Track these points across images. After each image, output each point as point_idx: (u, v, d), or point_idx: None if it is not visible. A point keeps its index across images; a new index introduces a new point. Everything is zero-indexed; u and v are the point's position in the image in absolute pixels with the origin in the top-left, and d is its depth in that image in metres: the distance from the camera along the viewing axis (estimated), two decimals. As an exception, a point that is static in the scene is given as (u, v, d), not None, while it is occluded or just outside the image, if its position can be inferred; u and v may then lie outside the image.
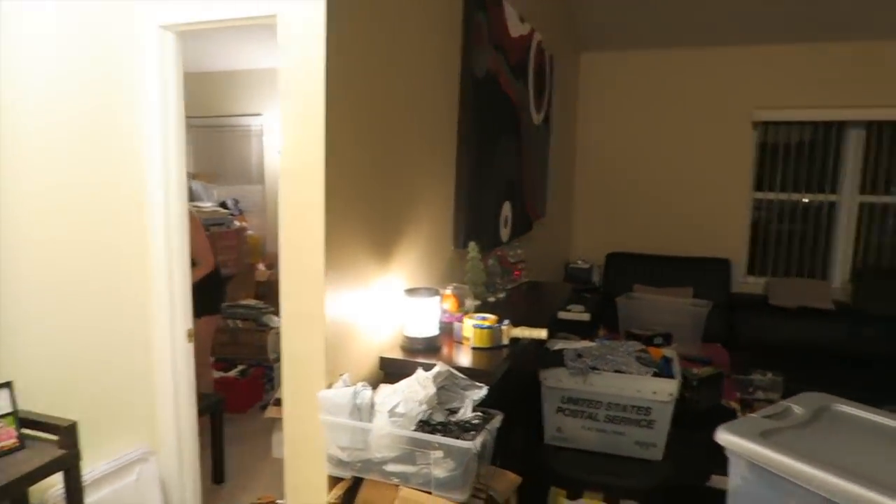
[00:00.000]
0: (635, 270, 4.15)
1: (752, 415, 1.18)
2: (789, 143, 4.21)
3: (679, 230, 4.30)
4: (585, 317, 3.59)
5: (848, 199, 4.11)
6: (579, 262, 4.29)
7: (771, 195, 4.26)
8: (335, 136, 1.40)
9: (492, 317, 1.69)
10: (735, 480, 1.11)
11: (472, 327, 1.64)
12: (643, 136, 4.33)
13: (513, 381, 1.90)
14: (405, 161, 1.76)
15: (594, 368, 1.93)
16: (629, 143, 4.36)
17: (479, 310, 1.88)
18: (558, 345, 2.15)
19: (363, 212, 1.55)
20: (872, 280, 3.92)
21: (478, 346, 1.63)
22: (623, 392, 1.89)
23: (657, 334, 3.40)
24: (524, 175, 2.93)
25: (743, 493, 1.10)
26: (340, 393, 1.31)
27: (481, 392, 1.40)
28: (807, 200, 4.21)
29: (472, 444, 1.24)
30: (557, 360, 1.98)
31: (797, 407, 1.21)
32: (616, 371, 1.94)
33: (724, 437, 1.09)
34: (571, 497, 1.84)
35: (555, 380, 1.94)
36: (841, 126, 4.06)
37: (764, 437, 1.07)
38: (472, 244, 2.07)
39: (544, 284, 2.76)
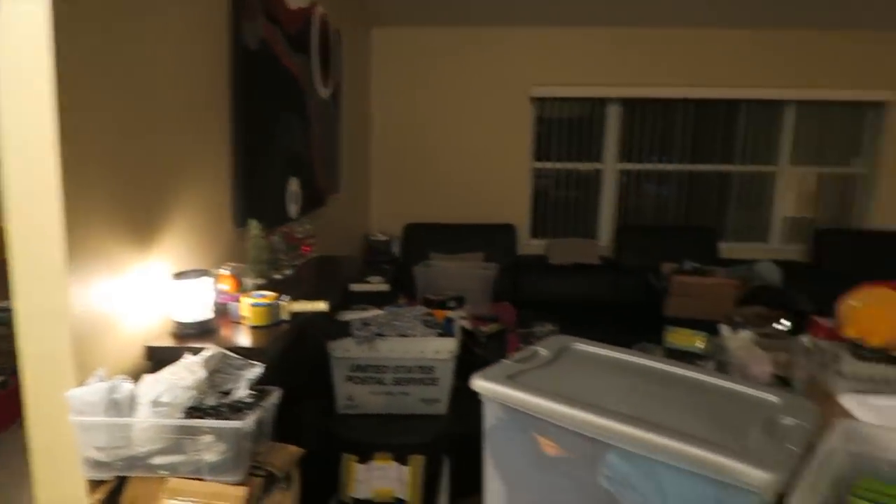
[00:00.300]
0: (431, 240, 4.33)
1: (505, 360, 1.30)
2: (562, 117, 4.65)
3: (469, 199, 4.56)
4: (385, 287, 3.68)
5: (610, 167, 4.65)
6: (378, 234, 4.37)
7: (549, 164, 4.68)
8: (70, 101, 1.26)
9: (270, 293, 1.67)
10: (490, 421, 1.23)
11: (249, 306, 1.61)
12: (434, 110, 4.49)
13: (303, 356, 1.90)
14: (168, 139, 1.64)
15: (380, 335, 1.99)
16: (421, 118, 4.51)
17: (264, 288, 1.83)
18: (348, 315, 2.18)
19: (116, 192, 1.42)
20: (630, 237, 4.51)
21: (256, 324, 1.60)
22: (408, 354, 1.98)
23: (450, 298, 3.60)
24: (312, 150, 2.89)
25: (496, 432, 1.22)
26: (92, 389, 1.21)
27: (256, 370, 1.38)
28: (579, 169, 4.69)
29: (244, 424, 1.22)
30: (345, 330, 2.01)
31: (543, 350, 1.37)
32: (401, 335, 2.02)
33: (476, 382, 1.19)
34: (363, 461, 1.89)
35: (342, 350, 1.97)
36: (603, 102, 4.57)
37: (510, 379, 1.19)
38: (253, 222, 2.01)
39: (335, 258, 2.77)
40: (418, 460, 1.92)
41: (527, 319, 3.92)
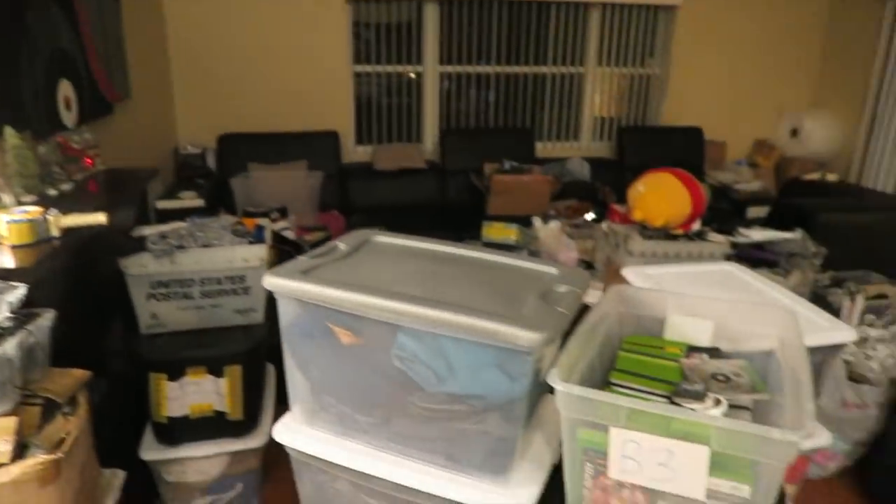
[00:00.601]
0: (249, 150, 4.08)
1: (301, 256, 1.27)
2: (381, 22, 4.49)
3: (289, 107, 4.33)
4: (199, 203, 3.44)
5: (430, 70, 4.62)
6: (189, 147, 4.03)
7: (369, 68, 4.54)
8: None
9: (35, 209, 1.47)
10: (286, 318, 1.20)
11: (6, 223, 1.40)
12: (242, 12, 4.11)
13: (98, 276, 1.73)
14: None
15: (180, 247, 1.86)
16: (227, 19, 4.11)
17: (37, 205, 1.61)
18: (145, 230, 2.01)
19: None
20: (453, 140, 4.58)
21: (17, 243, 1.41)
22: (215, 265, 1.88)
23: (273, 209, 3.47)
24: (87, 50, 2.52)
25: (293, 328, 1.20)
26: None
27: (18, 292, 1.23)
28: (400, 72, 4.60)
29: (2, 350, 1.09)
30: (140, 245, 1.85)
31: (342, 244, 1.35)
32: (204, 246, 1.90)
33: (267, 280, 1.15)
34: (173, 378, 1.81)
35: (138, 266, 1.81)
36: (420, 3, 4.46)
37: (304, 273, 1.16)
38: (8, 130, 1.72)
39: (131, 171, 2.51)
40: (235, 370, 1.87)
41: (355, 226, 3.91)
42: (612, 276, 2.42)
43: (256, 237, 2.06)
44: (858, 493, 2.23)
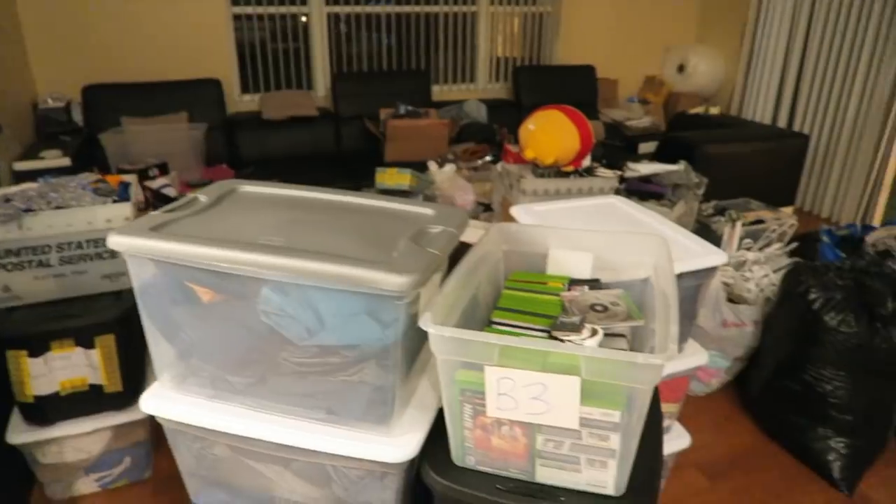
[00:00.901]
0: (121, 102, 3.75)
1: (154, 212, 1.15)
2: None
3: (163, 53, 3.99)
4: (65, 162, 3.13)
5: (317, 11, 4.37)
6: (50, 100, 3.64)
7: (249, 9, 4.24)
8: None
9: None
10: (139, 281, 1.10)
11: None
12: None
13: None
14: None
15: (28, 210, 1.67)
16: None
17: None
18: (-12, 195, 1.79)
19: None
20: (346, 85, 4.40)
21: None
22: (73, 228, 1.71)
23: (152, 166, 3.22)
24: None
25: (148, 290, 1.10)
26: None
27: None
28: (284, 14, 4.33)
29: None
30: (-21, 211, 1.64)
31: (203, 196, 1.24)
32: (59, 208, 1.72)
33: (112, 239, 1.03)
34: (35, 354, 1.65)
35: (-21, 235, 1.62)
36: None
37: (154, 230, 1.06)
38: None
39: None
40: (107, 340, 1.74)
41: (247, 178, 3.71)
42: (508, 216, 2.42)
43: (121, 195, 1.88)
44: (738, 406, 2.41)
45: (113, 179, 1.98)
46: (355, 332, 1.01)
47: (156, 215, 1.13)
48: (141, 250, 1.03)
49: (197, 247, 0.99)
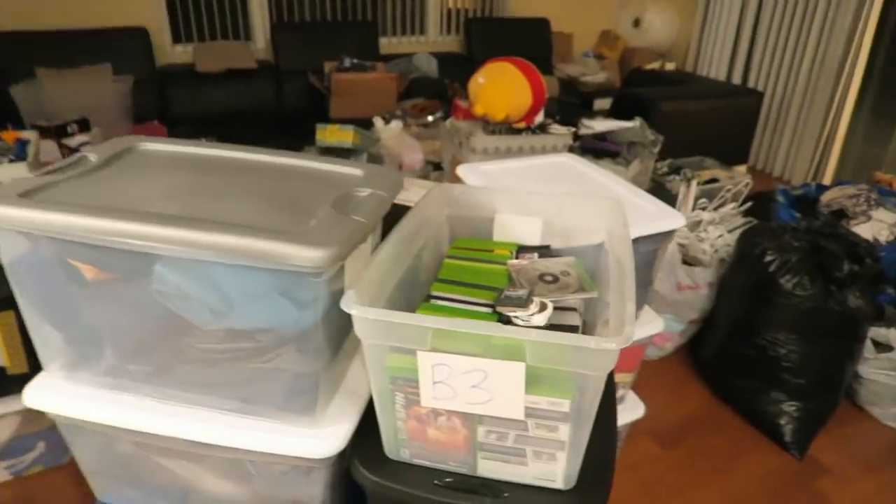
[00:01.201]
0: (35, 52, 3.40)
1: (31, 174, 0.98)
2: None
3: (79, -3, 3.63)
4: (-30, 119, 2.84)
5: (254, -47, 4.05)
6: (-48, 50, 3.28)
7: (178, -50, 3.89)
8: None
9: None
10: (8, 256, 0.93)
11: None
12: None
13: None
14: None
15: None
16: None
17: None
18: None
19: None
20: (287, 36, 4.12)
21: None
22: (-43, 194, 1.49)
23: (71, 122, 2.95)
24: None
25: (21, 266, 0.93)
26: None
27: None
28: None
29: None
30: None
31: (94, 155, 1.06)
32: (-61, 170, 1.50)
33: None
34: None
35: None
36: None
37: (24, 196, 0.88)
38: None
39: None
40: (8, 317, 1.55)
41: (181, 136, 3.46)
42: (456, 177, 2.29)
43: (18, 154, 1.67)
44: (692, 368, 2.37)
45: (9, 136, 1.75)
46: (268, 314, 0.87)
47: (30, 178, 0.95)
48: (5, 221, 0.86)
49: (70, 216, 0.83)
